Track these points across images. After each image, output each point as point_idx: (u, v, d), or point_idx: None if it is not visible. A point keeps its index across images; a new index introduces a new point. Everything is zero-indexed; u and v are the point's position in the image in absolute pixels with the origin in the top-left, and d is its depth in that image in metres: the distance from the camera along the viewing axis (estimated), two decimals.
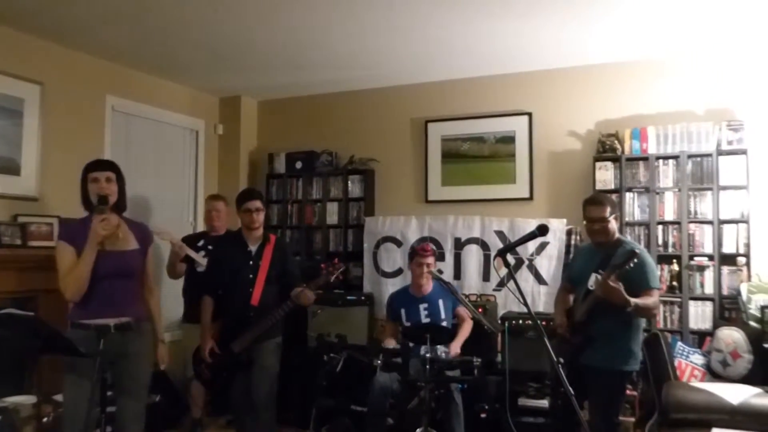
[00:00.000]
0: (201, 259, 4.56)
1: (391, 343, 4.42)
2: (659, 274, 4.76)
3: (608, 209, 3.42)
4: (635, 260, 3.13)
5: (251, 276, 3.83)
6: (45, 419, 3.96)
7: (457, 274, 5.42)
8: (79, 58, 5.06)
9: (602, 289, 3.19)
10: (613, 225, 3.45)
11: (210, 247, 4.65)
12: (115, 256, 3.04)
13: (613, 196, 4.88)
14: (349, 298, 5.44)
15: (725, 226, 4.65)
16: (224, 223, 4.87)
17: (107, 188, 3.01)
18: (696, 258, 4.71)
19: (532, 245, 5.04)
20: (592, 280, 3.41)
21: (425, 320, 4.34)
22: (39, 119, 4.71)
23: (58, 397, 4.07)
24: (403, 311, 4.43)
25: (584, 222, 3.54)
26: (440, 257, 5.42)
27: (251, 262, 3.87)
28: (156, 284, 3.36)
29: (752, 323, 4.29)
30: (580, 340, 3.40)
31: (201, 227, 6.10)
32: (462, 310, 4.40)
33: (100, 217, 2.91)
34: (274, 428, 3.93)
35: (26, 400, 4.08)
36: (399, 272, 5.55)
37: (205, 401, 4.90)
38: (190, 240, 4.81)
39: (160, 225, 4.86)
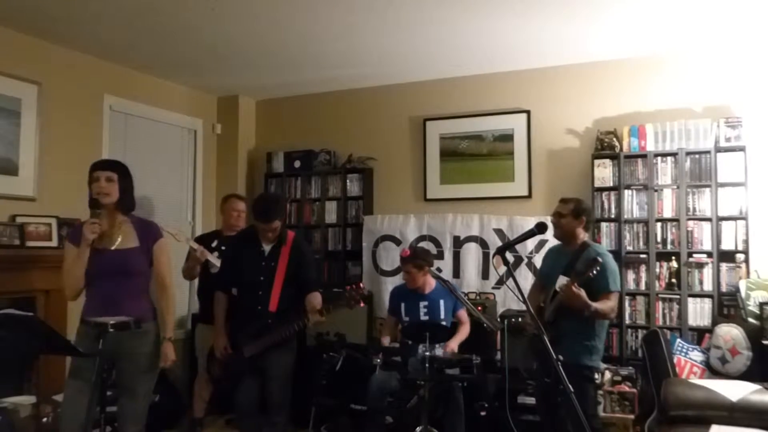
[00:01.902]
0: (217, 262, 4.50)
1: (387, 342, 4.43)
2: (657, 272, 4.80)
3: (568, 208, 3.68)
4: (597, 268, 3.33)
5: (262, 278, 3.66)
6: (44, 419, 3.95)
7: (456, 272, 5.43)
8: (76, 57, 5.05)
9: (566, 294, 3.38)
10: (570, 225, 3.67)
11: (224, 248, 4.61)
12: (112, 255, 3.07)
13: (612, 194, 4.95)
14: None
15: (724, 223, 4.65)
16: (243, 224, 4.81)
17: (106, 188, 3.05)
18: (695, 255, 4.71)
19: (531, 243, 5.05)
20: (561, 281, 3.56)
21: (423, 318, 4.33)
22: (36, 119, 4.70)
23: (58, 398, 4.07)
24: (402, 305, 4.43)
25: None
26: (439, 256, 5.43)
27: (263, 263, 3.70)
28: (170, 282, 3.24)
29: (751, 320, 4.30)
30: (549, 338, 3.43)
31: (200, 227, 6.11)
32: (462, 314, 4.40)
33: (90, 220, 2.99)
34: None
35: (26, 400, 4.08)
36: (398, 271, 5.52)
37: (208, 400, 4.89)
38: (204, 239, 4.72)
39: (171, 228, 4.70)
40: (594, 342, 3.56)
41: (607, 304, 3.48)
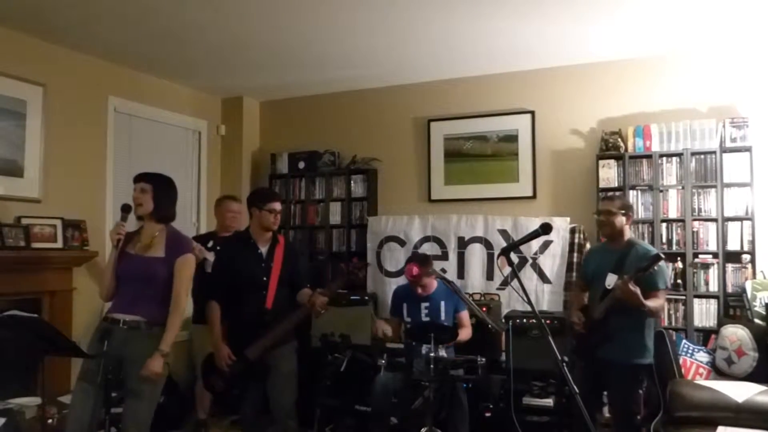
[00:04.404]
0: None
1: (383, 326, 4.36)
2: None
3: (617, 205, 3.67)
4: (659, 264, 3.38)
5: (264, 279, 3.68)
6: (50, 421, 3.95)
7: (461, 273, 5.41)
8: (81, 59, 5.06)
9: (622, 291, 3.37)
10: (621, 222, 3.64)
11: (219, 248, 4.62)
12: (137, 260, 3.18)
13: (616, 194, 4.92)
14: (352, 297, 5.42)
15: (729, 224, 4.64)
16: (238, 225, 4.83)
17: (139, 198, 3.24)
18: (700, 255, 4.70)
19: (535, 244, 5.03)
20: (610, 279, 3.56)
21: (425, 319, 4.32)
22: (41, 121, 4.71)
23: (64, 399, 4.09)
24: (405, 306, 4.43)
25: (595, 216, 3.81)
26: (443, 256, 5.43)
27: (263, 264, 3.72)
28: (184, 299, 3.24)
29: (757, 320, 4.28)
30: (598, 337, 3.54)
31: (204, 228, 6.11)
32: (464, 316, 4.38)
33: (117, 223, 3.21)
34: None
35: (31, 401, 4.09)
36: (402, 272, 5.53)
37: (211, 402, 4.90)
38: (200, 240, 4.76)
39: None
40: (644, 340, 3.58)
41: (658, 302, 3.51)
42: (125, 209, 3.26)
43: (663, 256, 3.43)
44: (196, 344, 4.68)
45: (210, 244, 4.64)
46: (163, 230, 3.27)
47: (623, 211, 3.64)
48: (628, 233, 3.71)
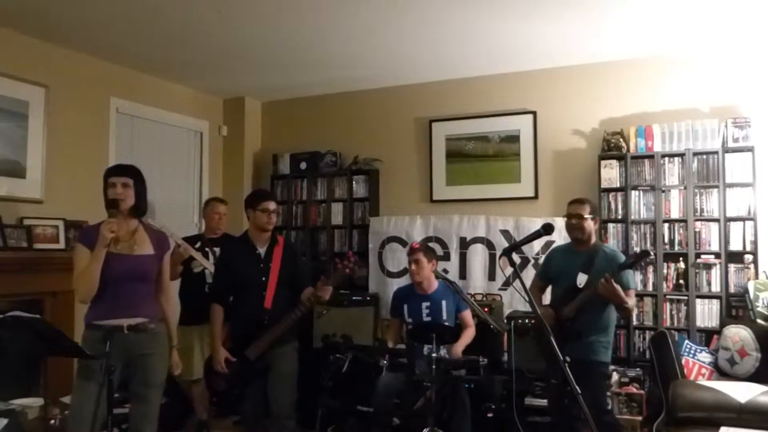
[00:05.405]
0: (204, 261, 4.52)
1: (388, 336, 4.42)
2: (665, 273, 4.79)
3: (587, 209, 3.73)
4: (648, 258, 3.55)
5: (263, 279, 3.70)
6: (52, 421, 3.96)
7: (463, 273, 5.42)
8: (83, 60, 5.07)
9: (606, 289, 3.43)
10: (590, 226, 3.72)
11: (207, 250, 4.62)
12: (129, 259, 3.08)
13: (619, 195, 4.95)
14: (354, 298, 5.44)
15: (732, 224, 4.63)
16: (225, 226, 4.86)
17: (122, 193, 3.07)
18: (702, 256, 4.69)
19: (537, 244, 5.03)
20: (581, 279, 3.62)
21: (426, 318, 4.32)
22: (44, 122, 4.72)
23: (66, 399, 4.08)
24: (405, 307, 4.42)
25: (564, 218, 3.87)
26: (445, 257, 5.43)
27: (261, 265, 3.74)
28: (172, 290, 3.35)
29: (759, 321, 4.27)
30: (570, 334, 3.55)
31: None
32: (466, 315, 4.38)
33: (108, 220, 2.98)
34: None
35: (33, 402, 4.10)
36: (404, 272, 5.53)
37: (209, 402, 4.88)
38: (187, 241, 4.75)
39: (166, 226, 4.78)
40: (609, 338, 3.70)
41: (633, 301, 3.65)
42: (114, 205, 3.03)
43: (651, 252, 3.64)
44: (184, 345, 4.64)
45: (198, 245, 4.62)
46: (138, 226, 3.19)
47: (592, 215, 3.73)
48: (594, 236, 3.79)
